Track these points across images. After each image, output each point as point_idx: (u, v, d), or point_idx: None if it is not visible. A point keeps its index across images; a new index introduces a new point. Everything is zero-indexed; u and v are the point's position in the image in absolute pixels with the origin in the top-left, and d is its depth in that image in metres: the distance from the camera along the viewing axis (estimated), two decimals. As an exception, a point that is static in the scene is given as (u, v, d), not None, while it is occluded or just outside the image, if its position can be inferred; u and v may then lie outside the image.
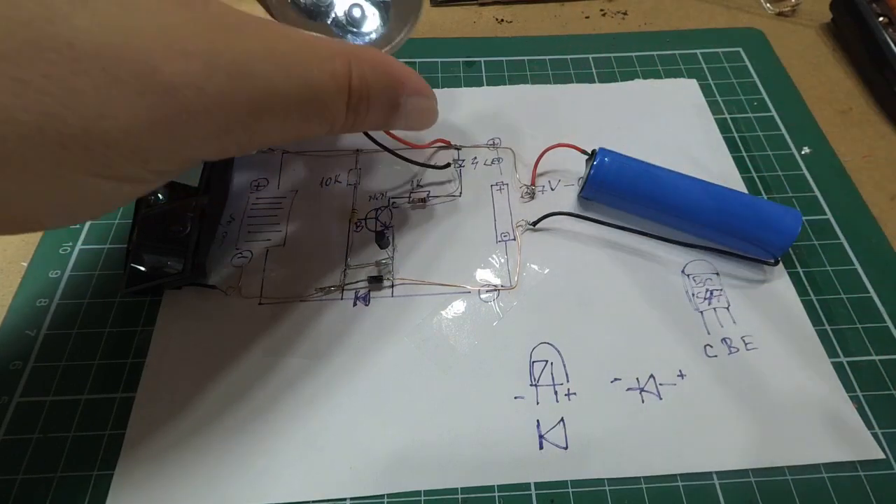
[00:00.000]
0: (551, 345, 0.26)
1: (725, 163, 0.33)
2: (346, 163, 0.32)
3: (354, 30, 0.25)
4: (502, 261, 0.29)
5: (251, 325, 0.26)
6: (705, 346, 0.26)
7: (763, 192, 0.32)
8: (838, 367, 0.26)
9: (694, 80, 0.37)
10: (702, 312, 0.27)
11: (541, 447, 0.24)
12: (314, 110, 0.19)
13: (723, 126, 0.34)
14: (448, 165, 0.32)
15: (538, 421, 0.24)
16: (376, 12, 0.25)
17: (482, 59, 0.38)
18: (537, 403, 0.25)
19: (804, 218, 0.30)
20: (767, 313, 0.27)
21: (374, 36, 0.25)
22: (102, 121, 0.14)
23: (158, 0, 0.16)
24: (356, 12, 0.25)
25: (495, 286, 0.28)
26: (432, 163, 0.32)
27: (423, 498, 0.23)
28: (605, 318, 0.27)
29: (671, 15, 0.42)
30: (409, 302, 0.27)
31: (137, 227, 0.26)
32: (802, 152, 0.33)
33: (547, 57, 0.38)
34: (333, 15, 0.25)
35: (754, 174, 0.32)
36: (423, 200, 0.30)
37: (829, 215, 0.31)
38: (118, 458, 0.23)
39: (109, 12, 0.14)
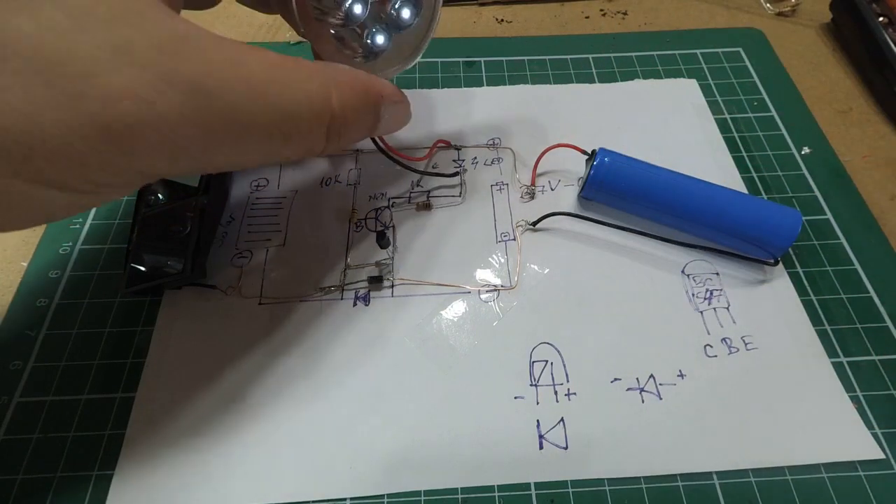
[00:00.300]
0: (551, 345, 0.26)
1: (725, 163, 0.33)
2: (346, 163, 0.32)
3: (371, 47, 0.25)
4: (502, 261, 0.29)
5: (251, 325, 0.26)
6: (705, 346, 0.26)
7: (763, 192, 0.32)
8: (838, 367, 0.26)
9: (694, 80, 0.37)
10: (702, 312, 0.27)
11: (541, 447, 0.24)
12: (286, 134, 0.19)
13: (723, 126, 0.34)
14: (456, 174, 0.32)
15: (538, 421, 0.24)
16: (390, 37, 0.25)
17: (482, 59, 0.38)
18: (537, 403, 0.25)
19: (804, 218, 0.30)
20: (767, 313, 0.27)
21: (376, 59, 0.25)
22: (24, 121, 0.14)
23: (120, 13, 0.15)
24: (380, 39, 0.25)
25: (495, 286, 0.28)
26: (434, 163, 0.32)
27: (423, 498, 0.23)
28: (605, 318, 0.27)
29: (671, 15, 0.42)
30: (409, 302, 0.27)
31: (137, 227, 0.26)
32: (802, 152, 0.33)
33: (547, 57, 0.38)
34: (358, 32, 0.24)
35: (754, 174, 0.32)
36: (428, 206, 0.30)
37: (829, 215, 0.31)
38: (118, 458, 0.23)
39: (55, 19, 0.14)
